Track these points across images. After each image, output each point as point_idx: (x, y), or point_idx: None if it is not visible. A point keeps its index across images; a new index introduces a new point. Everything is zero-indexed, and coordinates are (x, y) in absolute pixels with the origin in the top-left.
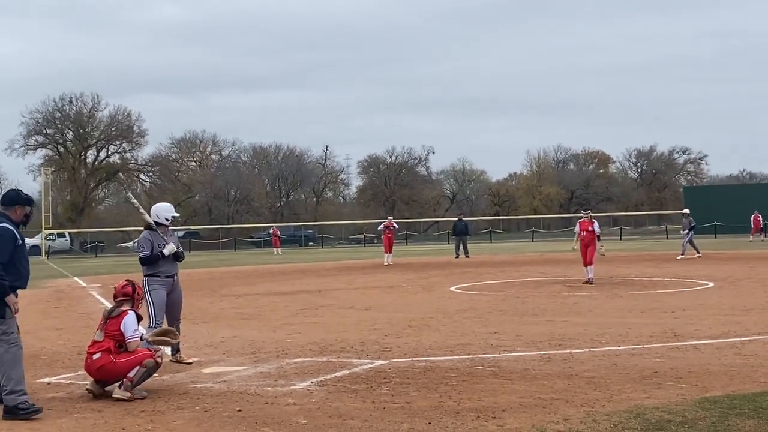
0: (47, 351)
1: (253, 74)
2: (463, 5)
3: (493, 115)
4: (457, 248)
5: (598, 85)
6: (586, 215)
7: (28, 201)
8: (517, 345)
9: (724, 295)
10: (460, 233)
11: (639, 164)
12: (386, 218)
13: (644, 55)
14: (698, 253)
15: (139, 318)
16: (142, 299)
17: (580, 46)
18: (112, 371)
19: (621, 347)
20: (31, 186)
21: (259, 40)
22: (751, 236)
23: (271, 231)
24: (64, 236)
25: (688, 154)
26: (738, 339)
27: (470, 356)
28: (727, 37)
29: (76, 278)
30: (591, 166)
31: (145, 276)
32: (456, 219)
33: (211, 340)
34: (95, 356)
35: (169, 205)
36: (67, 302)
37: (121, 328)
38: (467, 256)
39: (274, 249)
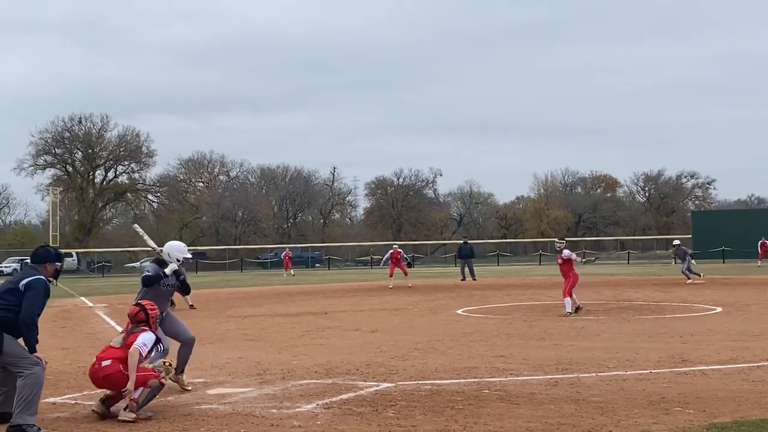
0: (53, 371)
1: (262, 95)
2: (472, 28)
3: (501, 137)
4: (463, 271)
5: (606, 109)
6: (560, 246)
7: (58, 257)
8: (524, 369)
9: (732, 320)
10: (466, 256)
11: (647, 188)
12: (392, 247)
13: (652, 79)
14: (700, 276)
15: (157, 339)
16: (156, 321)
17: (588, 70)
18: (119, 381)
19: (628, 372)
20: (39, 205)
21: (269, 62)
22: (759, 262)
23: (283, 254)
24: (72, 256)
25: (696, 178)
26: (746, 365)
27: (477, 380)
28: (736, 62)
29: (82, 298)
30: (599, 190)
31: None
32: (461, 242)
33: (217, 361)
34: (104, 362)
35: (183, 245)
36: (73, 322)
37: (137, 339)
38: (474, 279)
39: (285, 270)
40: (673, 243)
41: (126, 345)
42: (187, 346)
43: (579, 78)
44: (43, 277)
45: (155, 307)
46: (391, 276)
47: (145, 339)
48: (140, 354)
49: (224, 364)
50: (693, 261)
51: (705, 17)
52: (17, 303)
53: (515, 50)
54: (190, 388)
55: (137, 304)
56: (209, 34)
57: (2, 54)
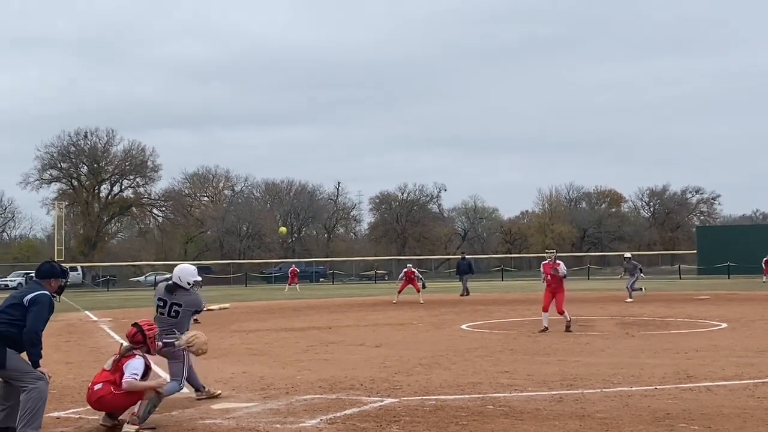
0: (57, 385)
1: (266, 110)
2: (477, 44)
3: (506, 152)
4: (464, 286)
5: (611, 124)
6: (550, 256)
7: (63, 273)
8: (529, 384)
9: (738, 336)
10: (464, 272)
11: (651, 204)
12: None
13: (657, 94)
14: (641, 291)
15: (147, 366)
16: (154, 341)
17: (594, 86)
18: (111, 403)
19: (633, 388)
20: (45, 219)
21: (275, 77)
22: (764, 278)
23: (290, 270)
24: (77, 270)
25: (701, 193)
26: (751, 381)
27: (481, 395)
28: (741, 78)
29: (87, 312)
30: (603, 205)
31: (180, 333)
32: (459, 257)
33: (221, 375)
34: (96, 386)
35: (193, 269)
36: (77, 336)
37: (123, 367)
38: (467, 294)
39: (288, 284)
40: (625, 256)
41: (117, 369)
42: (175, 379)
43: (584, 93)
44: (47, 292)
45: (153, 327)
46: (399, 293)
47: (133, 369)
48: (132, 383)
49: (228, 378)
50: (642, 275)
51: (711, 34)
52: (21, 318)
53: (520, 66)
54: (219, 391)
55: (135, 325)
56: (216, 49)
57: (10, 69)
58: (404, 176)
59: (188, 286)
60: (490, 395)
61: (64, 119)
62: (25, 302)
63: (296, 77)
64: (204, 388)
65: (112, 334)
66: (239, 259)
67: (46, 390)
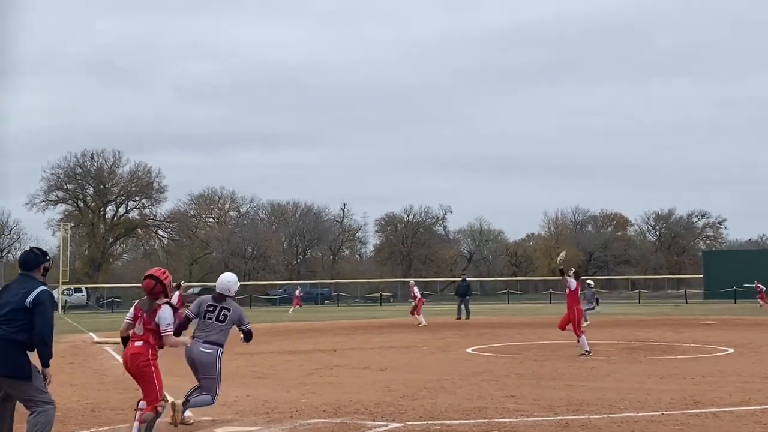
0: (60, 407)
1: (273, 131)
2: (484, 67)
3: (511, 175)
4: (459, 309)
5: (618, 147)
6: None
7: (45, 255)
8: (535, 410)
9: (745, 361)
10: (463, 294)
11: (657, 227)
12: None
13: (664, 118)
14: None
15: (174, 309)
16: (172, 288)
17: (600, 109)
18: (141, 367)
19: (640, 413)
20: (50, 241)
21: (280, 98)
22: (760, 302)
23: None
24: (81, 291)
25: (707, 218)
26: (759, 407)
27: (486, 420)
28: (748, 104)
29: (91, 334)
30: (609, 229)
31: (220, 347)
32: (459, 279)
33: (225, 399)
34: (137, 343)
35: (235, 277)
36: (81, 358)
37: (156, 320)
38: (468, 318)
39: (293, 306)
40: (587, 282)
41: (148, 329)
42: (208, 393)
43: (589, 116)
44: (44, 286)
45: (166, 273)
46: (419, 314)
47: (165, 320)
48: (172, 336)
49: (232, 402)
50: (597, 307)
51: (718, 59)
52: (30, 320)
53: (526, 88)
54: (191, 422)
55: (150, 276)
56: (223, 70)
57: (17, 90)
58: (410, 198)
59: (233, 294)
60: (496, 420)
61: (70, 141)
62: (28, 304)
63: (303, 98)
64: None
65: (116, 356)
66: (244, 281)
67: (54, 414)
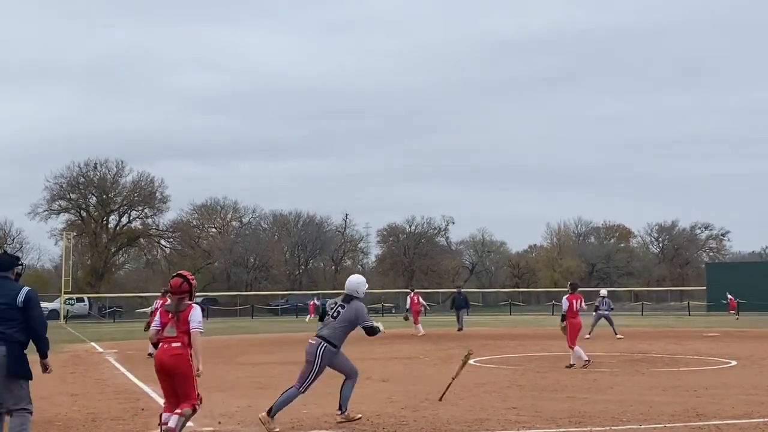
0: (61, 417)
1: (275, 142)
2: (486, 76)
3: (514, 186)
4: (461, 320)
5: (620, 159)
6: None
7: (18, 260)
8: (537, 422)
9: (748, 374)
10: (459, 306)
11: (661, 239)
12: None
13: (668, 129)
14: (589, 335)
15: (202, 309)
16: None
17: (603, 119)
18: (183, 367)
19: (642, 426)
20: (53, 250)
21: (282, 108)
22: (731, 311)
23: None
24: (83, 301)
25: (710, 230)
26: (762, 420)
27: None
28: (751, 114)
29: (93, 343)
30: (612, 240)
31: (325, 341)
32: (455, 291)
33: (226, 409)
34: (174, 344)
35: (363, 279)
36: (83, 368)
37: (189, 318)
38: (461, 329)
39: (310, 315)
40: (600, 292)
41: (183, 331)
42: (350, 379)
43: (593, 127)
44: (24, 285)
45: (192, 276)
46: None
47: (197, 318)
48: (201, 335)
49: (233, 412)
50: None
51: (722, 70)
52: (22, 319)
53: (530, 99)
54: (358, 416)
55: (179, 275)
56: (225, 80)
57: (20, 100)
58: (412, 208)
59: (361, 295)
60: None
61: (73, 150)
62: (19, 304)
63: (305, 108)
64: (344, 408)
65: (118, 365)
66: (246, 291)
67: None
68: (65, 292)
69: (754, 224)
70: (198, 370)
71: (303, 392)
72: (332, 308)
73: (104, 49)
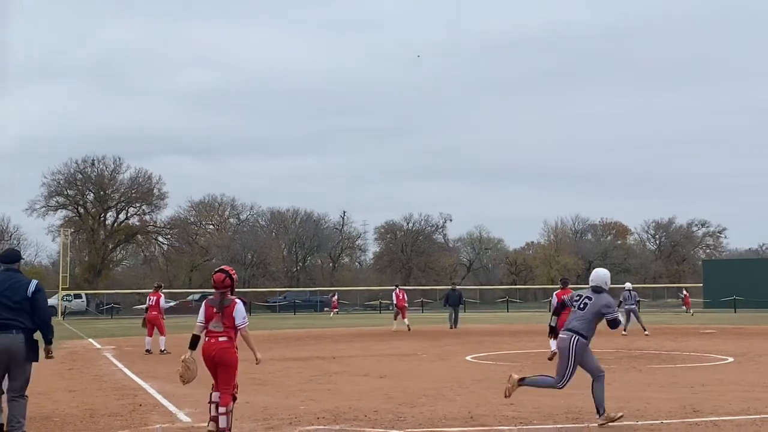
0: (59, 413)
1: (273, 139)
2: (485, 76)
3: (511, 183)
4: (451, 318)
5: (618, 156)
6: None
7: (20, 252)
8: (534, 417)
9: (744, 370)
10: (454, 303)
11: (657, 236)
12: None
13: (665, 127)
14: (624, 332)
15: (245, 303)
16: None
17: (600, 117)
18: (228, 359)
19: (639, 422)
20: (50, 246)
21: (281, 106)
22: (686, 308)
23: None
24: (81, 297)
25: (707, 227)
26: (758, 416)
27: (486, 428)
28: (749, 113)
29: (90, 340)
30: (609, 237)
31: (576, 334)
32: (450, 288)
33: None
34: (221, 338)
35: (607, 273)
36: (81, 364)
37: (234, 314)
38: (456, 327)
39: (332, 311)
40: (625, 286)
41: (228, 325)
42: (596, 380)
43: (590, 125)
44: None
45: (233, 270)
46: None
47: (242, 313)
48: (247, 329)
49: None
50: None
51: (718, 68)
52: (30, 309)
53: (528, 98)
54: (620, 414)
55: (222, 270)
56: (223, 78)
57: (19, 97)
58: (409, 206)
59: (607, 288)
60: (495, 428)
61: (71, 147)
62: (29, 294)
63: (303, 106)
64: (602, 410)
65: (116, 362)
66: (244, 288)
67: None
68: (63, 289)
69: (751, 221)
70: (257, 360)
71: (560, 388)
72: (577, 299)
73: (104, 47)
